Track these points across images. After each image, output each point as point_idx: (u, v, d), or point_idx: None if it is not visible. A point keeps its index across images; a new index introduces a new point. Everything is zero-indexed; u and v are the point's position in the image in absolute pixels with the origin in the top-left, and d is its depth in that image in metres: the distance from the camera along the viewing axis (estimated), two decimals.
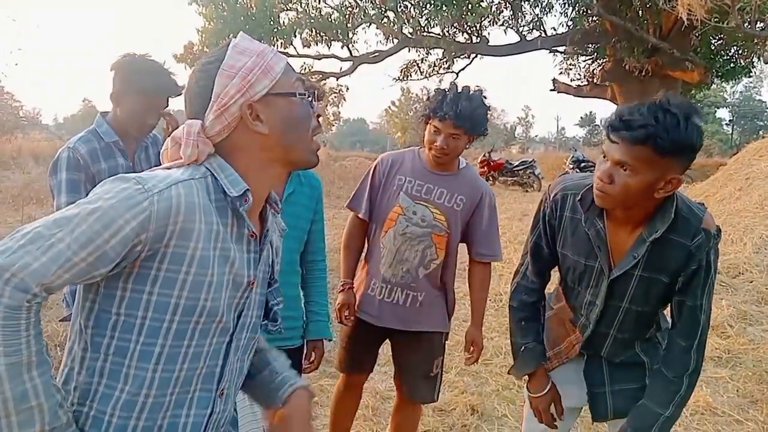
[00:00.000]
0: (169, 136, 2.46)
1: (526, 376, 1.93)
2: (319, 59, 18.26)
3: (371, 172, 2.38)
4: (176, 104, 2.36)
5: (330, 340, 2.25)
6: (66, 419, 0.95)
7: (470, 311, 2.48)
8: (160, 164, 1.12)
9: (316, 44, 17.19)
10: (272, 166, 1.11)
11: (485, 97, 2.25)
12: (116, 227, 0.92)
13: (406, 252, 2.27)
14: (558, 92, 18.25)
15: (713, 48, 16.24)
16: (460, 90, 2.21)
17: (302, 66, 19.16)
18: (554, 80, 18.36)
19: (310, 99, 1.13)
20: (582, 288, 1.77)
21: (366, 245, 2.46)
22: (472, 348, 2.44)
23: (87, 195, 0.99)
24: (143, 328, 1.00)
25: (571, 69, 19.52)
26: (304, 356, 2.16)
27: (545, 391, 1.86)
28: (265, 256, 1.17)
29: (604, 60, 16.99)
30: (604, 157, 1.53)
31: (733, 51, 16.59)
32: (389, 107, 49.32)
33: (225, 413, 1.16)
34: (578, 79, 19.28)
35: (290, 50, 17.51)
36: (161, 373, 1.02)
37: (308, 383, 1.33)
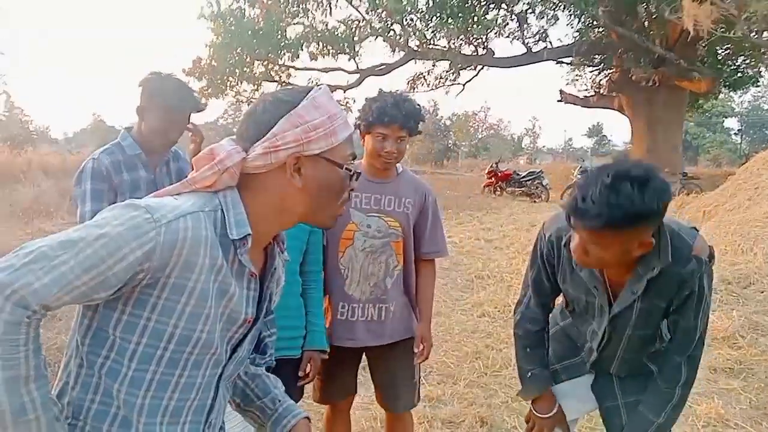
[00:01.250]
0: (194, 147, 2.49)
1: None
2: (326, 72, 18.39)
3: None
4: (197, 118, 2.47)
5: (325, 352, 2.22)
6: None
7: (419, 310, 2.44)
8: (181, 179, 1.14)
9: (323, 57, 17.33)
10: (288, 216, 1.12)
11: (416, 100, 2.31)
12: (121, 255, 0.93)
13: (371, 266, 2.26)
14: (565, 103, 18.31)
15: (720, 58, 16.25)
16: (392, 95, 2.24)
17: (309, 80, 19.28)
18: (561, 91, 18.41)
19: (352, 175, 1.14)
20: (588, 316, 1.80)
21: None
22: (422, 345, 2.39)
23: (108, 205, 1.01)
24: (136, 354, 1.01)
25: (577, 80, 19.60)
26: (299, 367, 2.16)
27: (551, 413, 1.88)
28: (267, 293, 1.18)
29: (611, 71, 17.03)
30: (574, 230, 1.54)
31: (740, 61, 16.60)
32: None
33: None
34: (585, 90, 19.35)
35: (297, 63, 17.68)
36: (151, 400, 1.03)
37: (309, 413, 1.33)
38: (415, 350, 2.39)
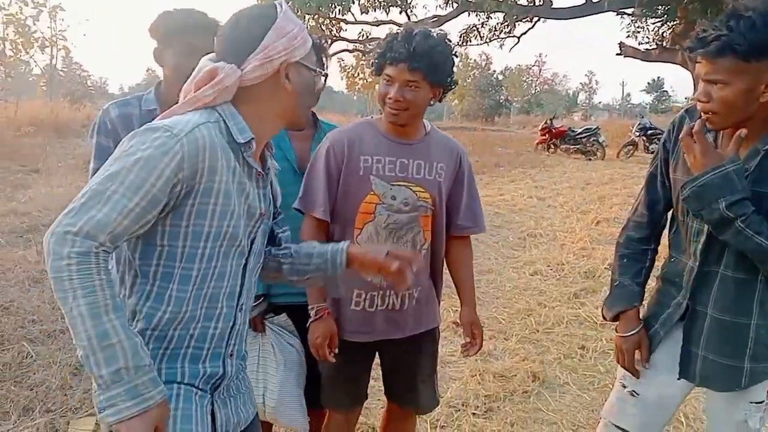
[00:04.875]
0: None
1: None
2: (377, 26, 18.16)
3: (323, 160, 1.89)
4: None
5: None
6: (149, 362, 1.06)
7: (459, 295, 2.13)
8: None
9: (375, 10, 17.07)
10: (278, 120, 1.30)
11: (449, 41, 1.86)
12: (158, 171, 1.07)
13: (394, 246, 1.84)
14: (625, 56, 17.57)
15: None
16: (409, 28, 1.84)
17: (360, 33, 19.08)
18: (621, 44, 17.66)
19: (321, 75, 1.35)
20: (690, 216, 1.68)
21: None
22: (474, 333, 2.07)
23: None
24: (183, 255, 1.18)
25: (639, 32, 18.71)
26: None
27: (632, 332, 1.77)
28: (268, 192, 1.36)
29: (675, 22, 16.19)
30: (699, 78, 1.52)
31: None
32: None
33: (245, 326, 1.36)
34: (646, 43, 18.49)
35: (348, 17, 17.46)
36: (196, 291, 1.20)
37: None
38: (466, 340, 2.09)
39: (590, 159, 16.33)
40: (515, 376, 3.36)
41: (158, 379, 1.07)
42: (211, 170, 1.14)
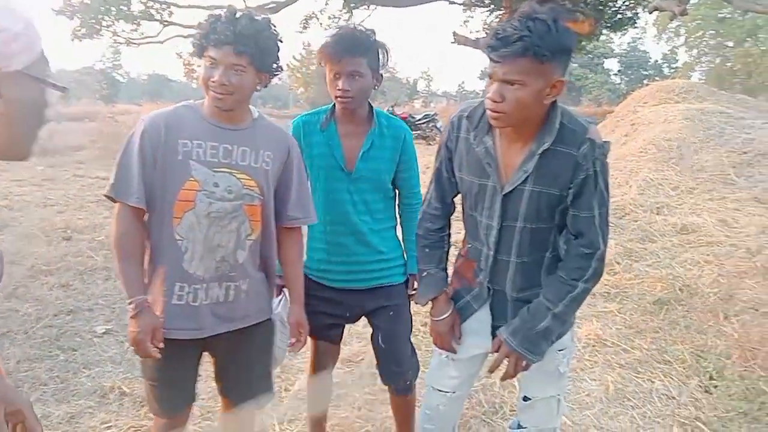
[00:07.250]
0: None
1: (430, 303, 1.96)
2: (211, 10, 17.43)
3: (138, 144, 1.74)
4: None
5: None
6: None
7: (288, 291, 2.08)
8: None
9: None
10: None
11: (274, 25, 1.79)
12: None
13: (217, 236, 1.78)
14: (458, 44, 18.43)
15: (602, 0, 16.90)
16: (239, 12, 1.75)
17: (194, 18, 18.18)
18: (454, 33, 18.50)
19: (60, 89, 0.95)
20: (479, 212, 1.79)
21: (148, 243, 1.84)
22: (300, 333, 2.02)
23: None
24: None
25: (469, 21, 19.74)
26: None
27: (446, 315, 1.90)
28: None
29: (501, 12, 17.28)
30: (491, 78, 1.57)
31: (620, 2, 17.33)
32: (290, 62, 47.77)
33: None
34: (477, 31, 19.55)
35: (180, 1, 16.56)
36: None
37: None
38: (291, 340, 2.02)
39: (430, 144, 17.00)
40: (362, 360, 3.39)
41: None
42: None
